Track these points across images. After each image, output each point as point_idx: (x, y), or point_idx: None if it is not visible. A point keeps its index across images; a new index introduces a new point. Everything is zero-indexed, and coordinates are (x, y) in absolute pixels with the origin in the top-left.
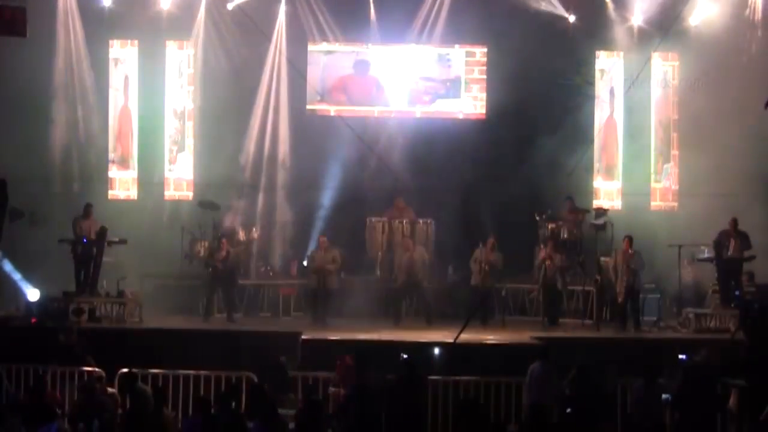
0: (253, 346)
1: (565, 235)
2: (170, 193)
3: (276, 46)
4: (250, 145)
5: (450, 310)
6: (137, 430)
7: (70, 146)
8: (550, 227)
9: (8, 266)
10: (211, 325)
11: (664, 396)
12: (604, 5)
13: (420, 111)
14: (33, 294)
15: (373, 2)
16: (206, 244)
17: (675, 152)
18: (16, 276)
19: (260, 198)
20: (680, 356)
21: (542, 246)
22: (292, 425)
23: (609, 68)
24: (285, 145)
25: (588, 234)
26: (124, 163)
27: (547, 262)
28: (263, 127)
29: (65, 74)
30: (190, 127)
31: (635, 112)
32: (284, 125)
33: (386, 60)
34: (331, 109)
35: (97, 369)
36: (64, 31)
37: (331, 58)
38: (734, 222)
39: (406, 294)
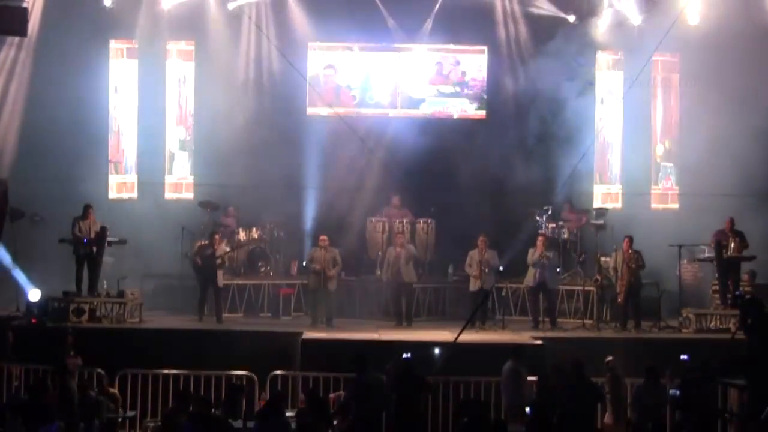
0: (253, 347)
1: (565, 235)
2: (171, 194)
3: (276, 47)
4: (251, 145)
5: (450, 309)
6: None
7: (72, 146)
8: (550, 227)
9: (13, 266)
10: (212, 326)
11: (671, 392)
12: (604, 5)
13: (420, 111)
14: (34, 294)
15: (374, 4)
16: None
17: (675, 152)
18: (21, 277)
19: (261, 198)
20: (682, 356)
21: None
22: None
23: (609, 68)
24: (285, 146)
25: (588, 234)
26: (124, 163)
27: (543, 259)
28: (264, 127)
29: (66, 74)
30: (190, 127)
31: (635, 111)
32: (285, 126)
33: (387, 61)
34: (332, 110)
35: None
36: (63, 31)
37: (331, 59)
38: (731, 221)
39: (395, 292)
